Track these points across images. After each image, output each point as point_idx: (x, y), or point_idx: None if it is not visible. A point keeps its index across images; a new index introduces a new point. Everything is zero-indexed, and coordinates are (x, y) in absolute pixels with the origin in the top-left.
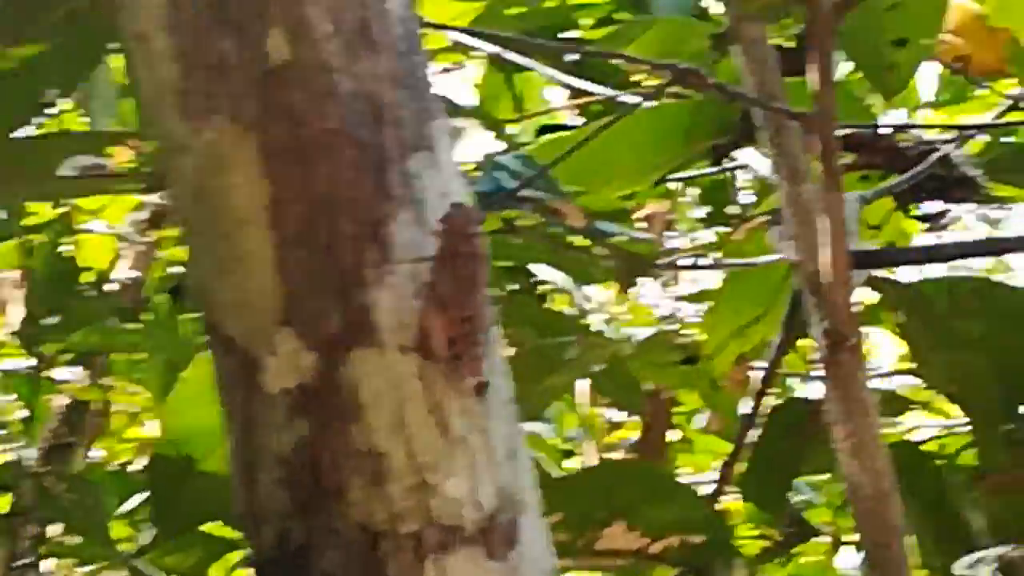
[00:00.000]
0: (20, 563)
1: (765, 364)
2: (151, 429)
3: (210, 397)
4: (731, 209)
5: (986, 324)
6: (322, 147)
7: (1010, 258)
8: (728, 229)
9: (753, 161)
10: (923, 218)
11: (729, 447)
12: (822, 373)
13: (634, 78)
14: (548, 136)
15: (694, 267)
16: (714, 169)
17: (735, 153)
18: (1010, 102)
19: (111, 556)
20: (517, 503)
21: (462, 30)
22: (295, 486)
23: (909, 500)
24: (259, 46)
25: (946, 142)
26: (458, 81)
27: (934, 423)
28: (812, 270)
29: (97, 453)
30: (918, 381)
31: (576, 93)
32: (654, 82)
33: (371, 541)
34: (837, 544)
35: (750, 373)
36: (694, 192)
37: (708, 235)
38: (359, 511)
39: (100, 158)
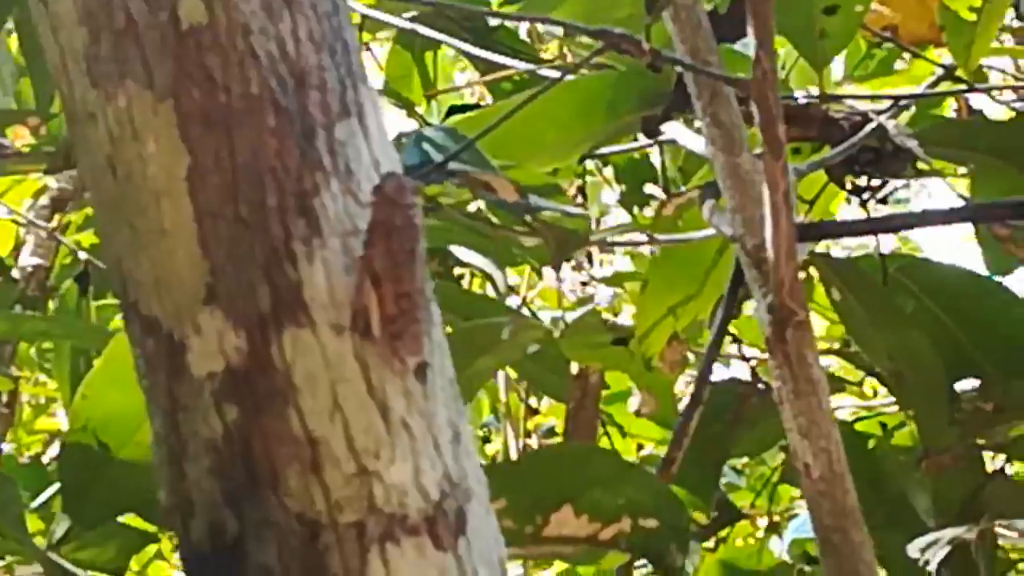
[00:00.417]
0: None
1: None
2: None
3: (126, 382)
4: (652, 188)
5: (918, 301)
6: (243, 113)
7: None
8: (646, 209)
9: (679, 134)
10: (857, 191)
11: (659, 431)
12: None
13: (546, 55)
14: (463, 115)
15: (627, 244)
16: (638, 144)
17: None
18: (941, 71)
19: (27, 551)
20: (464, 490)
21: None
22: (226, 476)
23: None
24: (171, 7)
25: (879, 112)
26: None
27: (854, 404)
28: (754, 244)
29: (5, 446)
30: (837, 361)
31: (488, 68)
32: (574, 55)
33: (310, 532)
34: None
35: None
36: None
37: (622, 215)
38: (296, 501)
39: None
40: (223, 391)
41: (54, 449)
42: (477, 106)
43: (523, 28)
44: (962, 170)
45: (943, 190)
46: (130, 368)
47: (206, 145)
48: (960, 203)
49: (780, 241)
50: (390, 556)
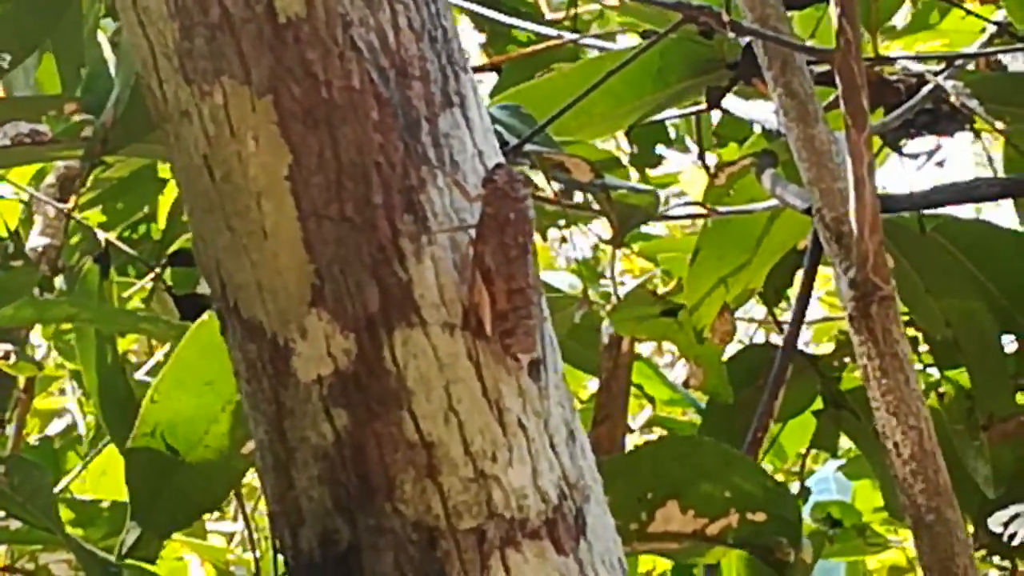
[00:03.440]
0: None
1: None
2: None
3: (195, 385)
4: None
5: (954, 259)
6: (345, 108)
7: None
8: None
9: (738, 105)
10: (913, 155)
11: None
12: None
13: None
14: (515, 88)
15: (687, 216)
16: (683, 112)
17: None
18: (994, 28)
19: (59, 539)
20: (581, 490)
21: None
22: (337, 483)
23: None
24: (267, 0)
25: (935, 73)
26: None
27: None
28: (833, 217)
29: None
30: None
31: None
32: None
33: (428, 540)
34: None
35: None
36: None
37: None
38: (412, 508)
39: (37, 124)
40: (332, 396)
41: (54, 427)
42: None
43: None
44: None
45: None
46: (199, 371)
47: (308, 142)
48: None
49: (864, 214)
50: (511, 562)
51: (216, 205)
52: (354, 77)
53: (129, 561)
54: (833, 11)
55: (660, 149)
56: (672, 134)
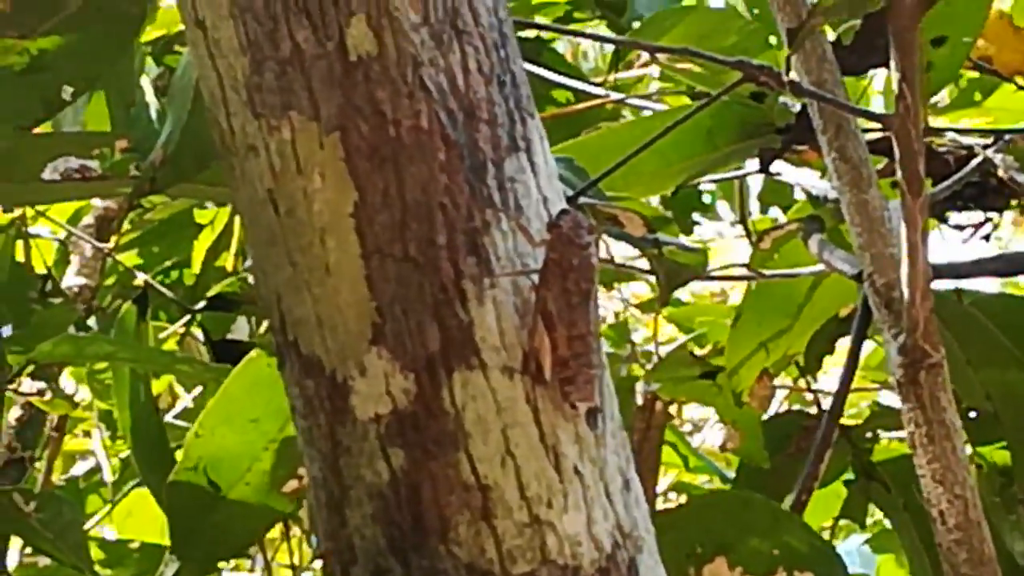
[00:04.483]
0: None
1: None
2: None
3: (240, 421)
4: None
5: (1011, 341)
6: (412, 148)
7: None
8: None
9: (786, 169)
10: (959, 227)
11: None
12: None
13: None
14: (567, 143)
15: (731, 278)
16: (723, 176)
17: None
18: None
19: None
20: (635, 540)
21: None
22: (391, 522)
23: None
24: (339, 37)
25: (985, 146)
26: None
27: None
28: (883, 283)
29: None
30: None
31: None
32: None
33: None
34: None
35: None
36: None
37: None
38: (466, 550)
39: (86, 160)
40: (390, 435)
41: (78, 469)
42: None
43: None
44: None
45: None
46: (244, 408)
47: (374, 180)
48: None
49: (916, 281)
50: None
51: (279, 239)
52: (422, 117)
53: None
54: (894, 76)
55: (694, 216)
56: (706, 200)
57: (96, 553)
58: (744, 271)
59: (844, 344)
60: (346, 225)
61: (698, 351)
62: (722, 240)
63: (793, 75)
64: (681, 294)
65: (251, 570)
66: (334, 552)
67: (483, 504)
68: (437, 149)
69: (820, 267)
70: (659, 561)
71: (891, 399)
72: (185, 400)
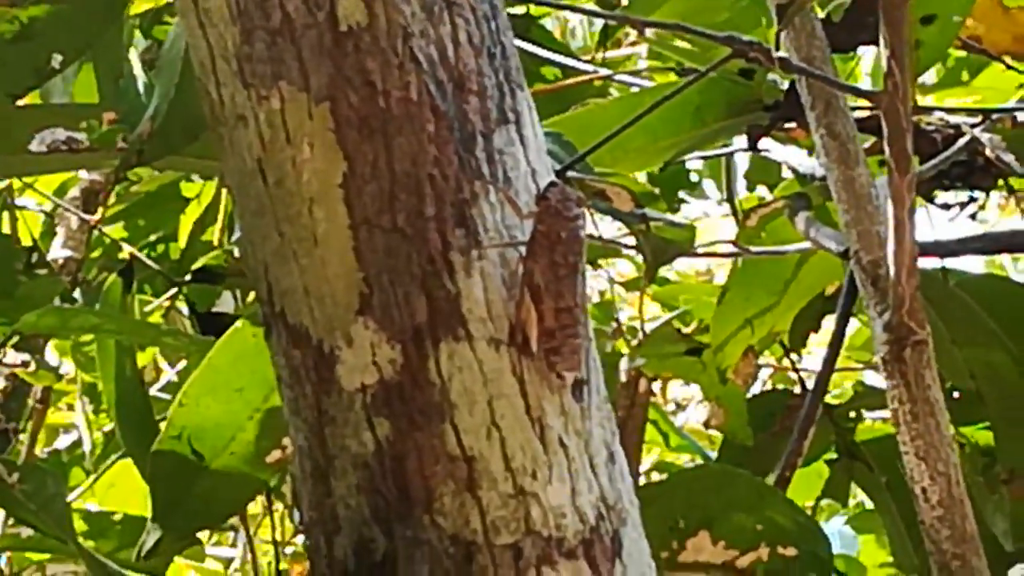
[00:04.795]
0: None
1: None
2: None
3: (225, 392)
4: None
5: (995, 322)
6: (402, 119)
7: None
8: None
9: (773, 147)
10: (946, 206)
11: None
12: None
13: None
14: (554, 118)
15: (718, 255)
16: (712, 153)
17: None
18: None
19: (72, 549)
20: (619, 513)
21: None
22: (376, 492)
23: None
24: (330, 7)
25: (972, 126)
26: None
27: None
28: (870, 260)
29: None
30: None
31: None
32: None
33: (464, 554)
34: None
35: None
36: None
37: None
38: (450, 521)
39: (74, 132)
40: (375, 405)
41: (61, 442)
42: None
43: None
44: None
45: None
46: (229, 378)
47: (363, 151)
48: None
49: (902, 258)
50: None
51: (267, 209)
52: (412, 88)
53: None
54: (883, 53)
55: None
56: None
57: (79, 525)
58: (730, 248)
59: (827, 323)
60: (335, 195)
61: (683, 329)
62: (708, 219)
63: (783, 52)
64: (666, 273)
65: (232, 545)
66: (318, 522)
67: (468, 475)
68: (426, 120)
69: (806, 244)
70: (643, 534)
71: (875, 379)
72: (169, 374)
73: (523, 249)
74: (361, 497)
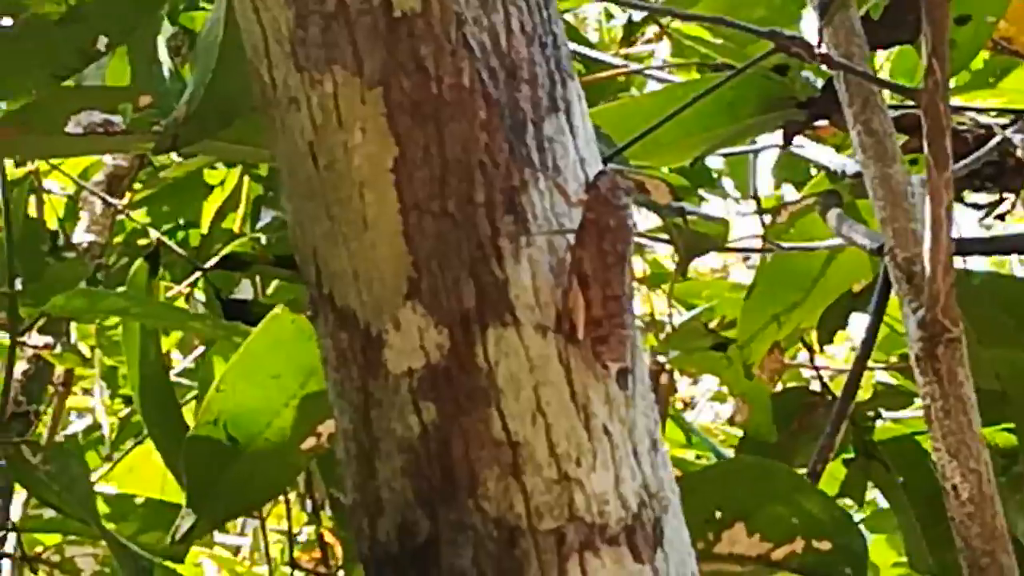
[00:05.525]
0: None
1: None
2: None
3: (262, 377)
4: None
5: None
6: (454, 105)
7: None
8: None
9: (804, 143)
10: (976, 205)
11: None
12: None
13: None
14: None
15: (751, 250)
16: (754, 147)
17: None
18: None
19: (95, 530)
20: (660, 500)
21: None
22: (421, 476)
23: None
24: None
25: (1004, 126)
26: None
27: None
28: (904, 257)
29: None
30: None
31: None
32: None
33: (508, 538)
34: None
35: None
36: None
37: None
38: (494, 505)
39: (110, 114)
40: (422, 389)
41: (77, 425)
42: None
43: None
44: None
45: None
46: (266, 364)
47: (415, 137)
48: None
49: (939, 255)
50: (589, 566)
51: (318, 193)
52: (464, 75)
53: (159, 561)
54: (924, 50)
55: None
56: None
57: (101, 507)
58: (758, 243)
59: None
60: (385, 180)
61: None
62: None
63: (823, 47)
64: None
65: (241, 533)
66: (361, 504)
67: (513, 460)
68: (478, 107)
69: (836, 241)
70: (683, 522)
71: (888, 380)
72: (183, 362)
73: (572, 237)
74: (405, 480)
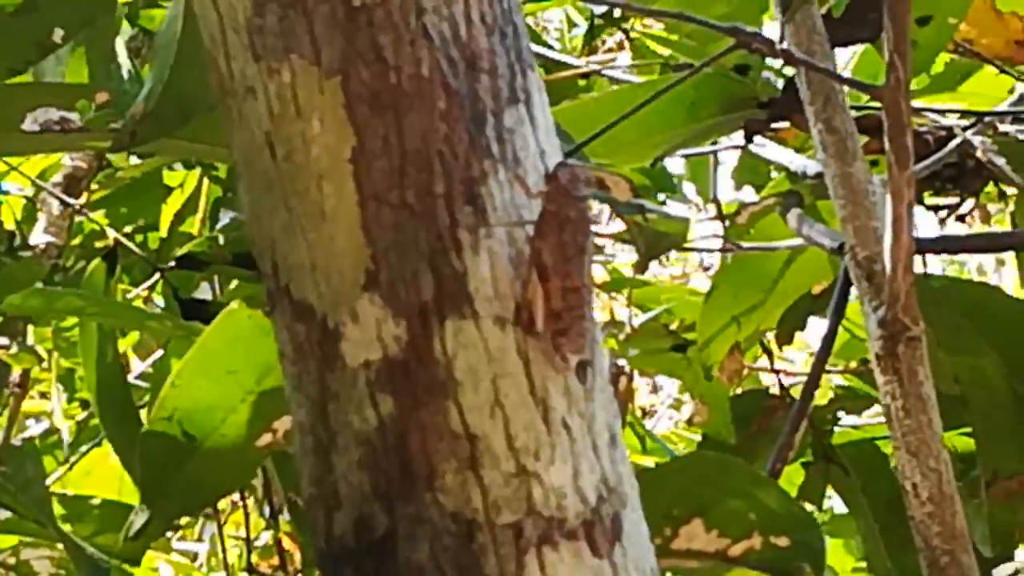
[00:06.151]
0: None
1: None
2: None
3: (218, 373)
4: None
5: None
6: (413, 96)
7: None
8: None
9: (764, 144)
10: (936, 207)
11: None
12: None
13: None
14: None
15: (711, 250)
16: (710, 148)
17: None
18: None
19: (50, 532)
20: (620, 495)
21: None
22: (378, 469)
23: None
24: None
25: (964, 128)
26: None
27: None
28: (865, 256)
29: None
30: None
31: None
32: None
33: (466, 532)
34: None
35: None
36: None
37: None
38: (452, 499)
39: (67, 112)
40: (379, 382)
41: (35, 430)
42: None
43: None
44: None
45: None
46: (223, 360)
47: (374, 127)
48: None
49: (899, 253)
50: (547, 560)
51: (275, 184)
52: (424, 65)
53: (116, 563)
54: (886, 47)
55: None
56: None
57: (57, 509)
58: (719, 245)
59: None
60: (344, 171)
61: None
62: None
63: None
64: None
65: (198, 539)
66: (318, 498)
67: (471, 453)
68: (437, 97)
69: (796, 242)
70: (642, 517)
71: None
72: (140, 367)
73: (531, 229)
74: (363, 474)
